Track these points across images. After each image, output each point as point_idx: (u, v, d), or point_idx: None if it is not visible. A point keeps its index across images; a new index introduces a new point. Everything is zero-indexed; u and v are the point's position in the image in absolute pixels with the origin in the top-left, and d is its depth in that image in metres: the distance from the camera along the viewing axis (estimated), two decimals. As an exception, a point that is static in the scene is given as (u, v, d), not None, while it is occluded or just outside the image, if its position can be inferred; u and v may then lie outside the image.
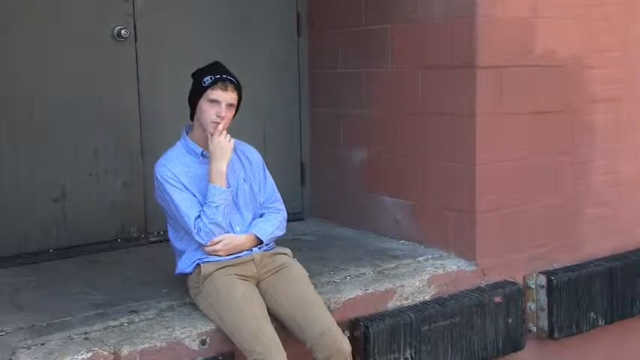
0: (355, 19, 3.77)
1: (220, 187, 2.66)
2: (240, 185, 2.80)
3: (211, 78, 2.68)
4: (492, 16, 3.22)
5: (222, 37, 3.83)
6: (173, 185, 2.69)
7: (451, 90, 3.31)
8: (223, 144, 2.67)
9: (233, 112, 2.73)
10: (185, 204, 2.69)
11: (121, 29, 3.54)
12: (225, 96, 2.67)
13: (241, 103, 2.79)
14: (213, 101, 2.67)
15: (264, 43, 3.95)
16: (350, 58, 3.85)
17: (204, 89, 2.68)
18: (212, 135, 2.69)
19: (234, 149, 2.78)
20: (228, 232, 2.73)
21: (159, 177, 2.71)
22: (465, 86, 3.25)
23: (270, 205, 2.90)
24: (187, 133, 2.80)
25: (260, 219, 2.85)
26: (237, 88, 2.72)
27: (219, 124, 2.67)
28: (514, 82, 3.31)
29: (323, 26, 4.01)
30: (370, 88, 3.74)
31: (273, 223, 2.84)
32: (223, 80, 2.67)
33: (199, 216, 2.67)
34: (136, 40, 3.60)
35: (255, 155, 2.91)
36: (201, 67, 2.79)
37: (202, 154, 2.75)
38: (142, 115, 3.65)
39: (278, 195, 2.94)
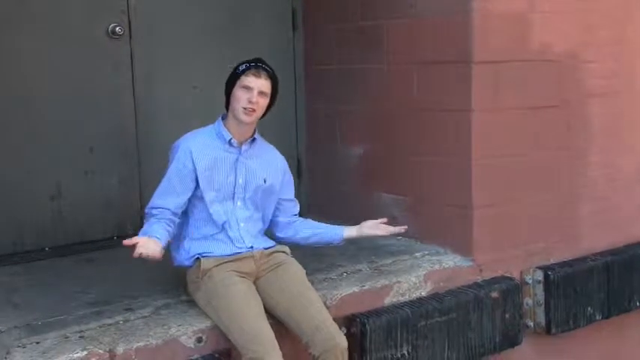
0: (351, 14, 3.76)
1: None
2: (259, 185, 2.81)
3: (246, 65, 2.72)
4: (488, 10, 3.21)
5: (217, 32, 3.82)
6: (178, 165, 2.71)
7: (447, 85, 3.30)
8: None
9: (266, 101, 2.74)
10: (165, 187, 2.72)
11: (116, 26, 3.53)
12: (257, 82, 2.69)
13: (276, 98, 2.80)
14: (246, 87, 2.69)
15: (260, 39, 3.93)
16: (346, 54, 3.84)
17: (238, 76, 2.72)
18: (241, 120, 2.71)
19: (265, 150, 2.87)
20: (227, 225, 2.76)
21: (175, 149, 2.74)
22: (461, 81, 3.24)
23: (296, 212, 2.97)
24: (222, 120, 2.81)
25: (319, 223, 2.98)
26: (271, 77, 2.74)
27: (249, 110, 2.68)
28: (510, 77, 3.30)
29: (318, 22, 4.00)
30: (366, 84, 3.73)
31: None
32: (257, 67, 2.71)
33: (158, 208, 2.69)
34: (130, 38, 3.59)
35: (279, 160, 2.93)
36: None
37: (230, 142, 2.76)
38: (137, 113, 3.64)
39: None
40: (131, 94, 3.62)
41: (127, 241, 2.51)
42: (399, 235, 3.57)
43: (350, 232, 2.94)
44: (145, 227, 2.66)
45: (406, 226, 2.95)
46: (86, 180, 3.55)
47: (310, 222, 2.99)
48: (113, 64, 3.56)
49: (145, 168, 3.63)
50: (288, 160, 4.05)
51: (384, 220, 2.96)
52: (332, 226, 2.97)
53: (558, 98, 3.50)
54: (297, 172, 4.16)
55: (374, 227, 2.94)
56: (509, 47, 3.29)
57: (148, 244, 2.53)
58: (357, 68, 3.77)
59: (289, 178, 2.97)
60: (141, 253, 2.50)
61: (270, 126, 3.98)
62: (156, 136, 3.63)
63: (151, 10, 3.64)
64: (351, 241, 3.56)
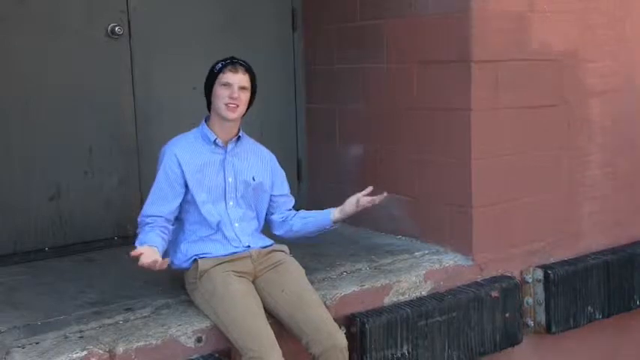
0: (350, 14, 3.76)
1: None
2: (248, 183, 2.81)
3: (222, 64, 2.75)
4: (487, 9, 3.21)
5: (216, 32, 3.82)
6: (166, 172, 2.72)
7: (447, 85, 3.30)
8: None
9: (247, 96, 2.75)
10: (156, 194, 2.73)
11: (115, 26, 3.53)
12: (235, 78, 2.71)
13: (256, 92, 2.82)
14: (226, 84, 2.71)
15: (259, 39, 3.94)
16: (345, 54, 3.84)
17: (216, 75, 2.74)
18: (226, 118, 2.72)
19: (252, 148, 2.87)
20: (221, 225, 2.76)
21: (162, 155, 2.76)
22: (460, 81, 3.24)
23: (290, 207, 2.96)
24: (206, 122, 2.82)
25: (309, 211, 2.96)
26: (249, 71, 2.76)
27: (232, 105, 2.69)
28: (510, 76, 3.30)
29: (318, 22, 4.00)
30: (366, 83, 3.73)
31: None
32: (233, 63, 2.74)
33: (151, 216, 2.69)
34: (130, 37, 3.59)
35: (266, 156, 2.92)
36: None
37: (215, 142, 2.77)
38: (136, 112, 3.64)
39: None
40: (131, 93, 3.62)
41: (134, 252, 2.50)
42: (398, 233, 3.60)
43: (334, 214, 2.90)
44: (141, 236, 2.66)
45: (386, 193, 2.86)
46: (86, 180, 3.55)
47: (301, 213, 2.97)
48: (113, 64, 3.56)
49: (144, 168, 3.62)
50: (288, 161, 4.08)
51: (368, 190, 2.89)
52: (320, 211, 2.94)
53: (558, 97, 3.50)
54: (297, 171, 4.16)
55: (354, 204, 2.88)
56: (508, 46, 3.29)
57: (154, 254, 2.53)
58: (356, 68, 3.77)
59: (280, 174, 2.96)
60: (149, 262, 2.48)
61: (271, 126, 4.02)
62: (155, 136, 3.62)
63: (150, 10, 3.64)
64: (350, 241, 3.59)
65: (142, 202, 3.61)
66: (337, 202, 3.96)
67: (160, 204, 2.71)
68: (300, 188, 4.17)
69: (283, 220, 2.94)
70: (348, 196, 3.86)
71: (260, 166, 2.87)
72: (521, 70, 3.34)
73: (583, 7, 3.53)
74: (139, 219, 2.74)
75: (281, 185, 2.95)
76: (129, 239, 3.62)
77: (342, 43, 3.85)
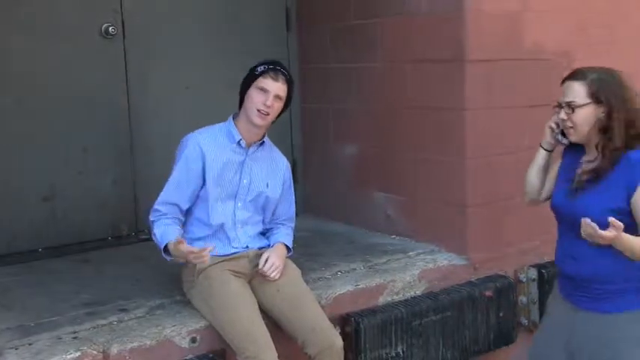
0: (344, 13, 3.77)
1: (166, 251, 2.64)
2: (261, 189, 2.79)
3: (264, 67, 2.69)
4: (481, 9, 3.22)
5: (210, 32, 3.82)
6: (188, 160, 2.68)
7: (441, 84, 3.31)
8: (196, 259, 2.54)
9: (280, 105, 2.71)
10: (175, 182, 2.69)
11: (109, 26, 3.52)
12: (274, 86, 2.65)
13: (291, 103, 2.78)
14: (262, 90, 2.66)
15: (253, 39, 3.93)
16: (339, 54, 3.84)
17: (256, 77, 2.68)
18: (253, 123, 2.68)
19: (272, 155, 2.84)
20: (225, 226, 2.74)
21: (184, 144, 2.71)
22: (454, 80, 3.24)
23: (284, 222, 2.91)
24: (234, 119, 2.78)
25: (282, 229, 2.88)
26: (288, 82, 2.71)
27: (264, 113, 2.65)
28: (504, 75, 3.31)
29: (312, 21, 4.00)
30: (360, 83, 3.73)
31: (291, 236, 2.91)
32: (275, 70, 2.68)
33: (169, 204, 2.67)
34: (124, 37, 3.59)
35: (284, 167, 2.89)
36: None
37: (239, 143, 2.74)
38: (131, 113, 3.64)
39: (294, 212, 2.96)
40: (125, 94, 3.61)
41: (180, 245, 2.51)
42: (392, 233, 3.60)
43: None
44: (164, 229, 2.63)
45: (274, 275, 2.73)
46: (80, 180, 3.54)
47: (275, 232, 2.90)
48: (107, 64, 3.56)
49: (139, 168, 3.63)
50: (282, 160, 4.09)
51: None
52: (275, 238, 2.86)
53: (552, 97, 3.50)
54: (292, 171, 4.14)
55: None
56: (502, 46, 3.30)
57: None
58: (351, 67, 3.77)
59: (289, 187, 2.93)
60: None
61: (265, 126, 4.01)
62: (150, 136, 3.63)
63: (144, 10, 3.63)
64: (346, 240, 3.59)
65: (137, 202, 3.65)
66: (332, 201, 3.99)
67: (178, 192, 2.68)
68: (296, 188, 4.14)
69: (271, 230, 2.91)
70: (343, 195, 3.90)
71: (275, 175, 2.84)
72: (515, 70, 3.35)
73: (576, 6, 3.53)
74: (154, 207, 2.69)
75: (285, 199, 2.91)
76: (123, 239, 3.64)
77: (336, 42, 3.86)
